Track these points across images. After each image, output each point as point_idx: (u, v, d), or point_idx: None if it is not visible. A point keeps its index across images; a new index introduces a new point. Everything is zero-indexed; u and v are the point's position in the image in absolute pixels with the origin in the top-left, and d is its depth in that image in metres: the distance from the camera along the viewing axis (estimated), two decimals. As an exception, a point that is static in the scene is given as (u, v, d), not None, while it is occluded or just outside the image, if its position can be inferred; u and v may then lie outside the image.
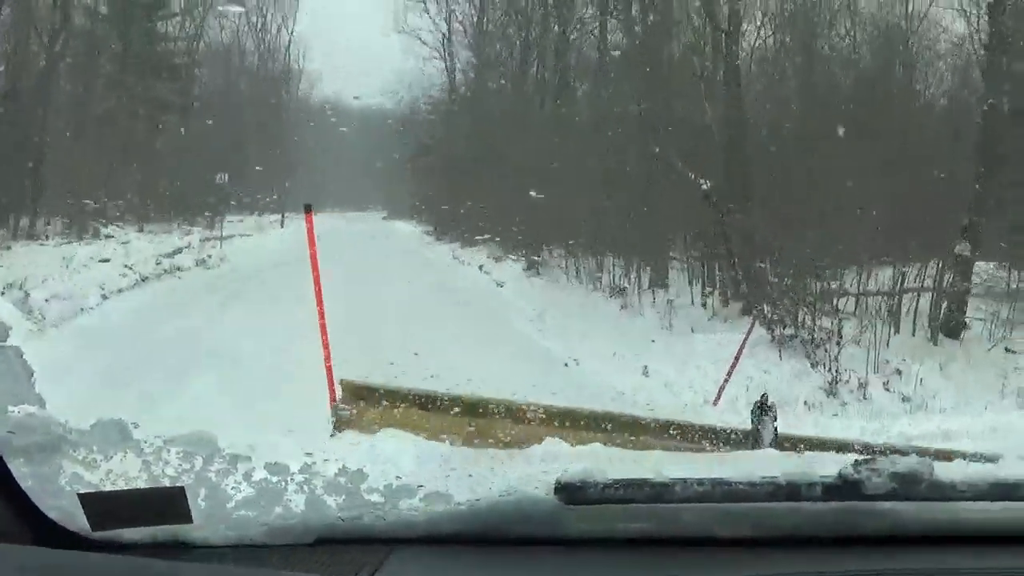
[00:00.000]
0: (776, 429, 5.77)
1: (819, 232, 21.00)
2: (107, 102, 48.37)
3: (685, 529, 2.41)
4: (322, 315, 8.09)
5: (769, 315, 20.47)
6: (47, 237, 36.46)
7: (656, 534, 2.43)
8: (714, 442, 5.83)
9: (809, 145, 23.61)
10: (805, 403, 17.09)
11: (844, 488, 2.34)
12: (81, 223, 39.09)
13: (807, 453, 4.99)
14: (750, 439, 5.76)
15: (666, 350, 20.31)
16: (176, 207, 47.15)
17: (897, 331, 21.27)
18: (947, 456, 4.98)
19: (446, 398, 6.04)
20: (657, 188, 27.05)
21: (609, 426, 5.79)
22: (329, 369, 7.16)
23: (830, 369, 18.56)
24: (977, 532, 2.43)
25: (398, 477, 2.69)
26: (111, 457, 2.59)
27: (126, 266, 29.09)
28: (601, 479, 2.38)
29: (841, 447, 5.69)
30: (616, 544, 2.42)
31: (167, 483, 2.51)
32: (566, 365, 19.26)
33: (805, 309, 20.50)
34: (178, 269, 31.18)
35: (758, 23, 29.53)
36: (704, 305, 24.82)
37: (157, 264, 31.06)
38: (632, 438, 5.67)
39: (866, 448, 5.58)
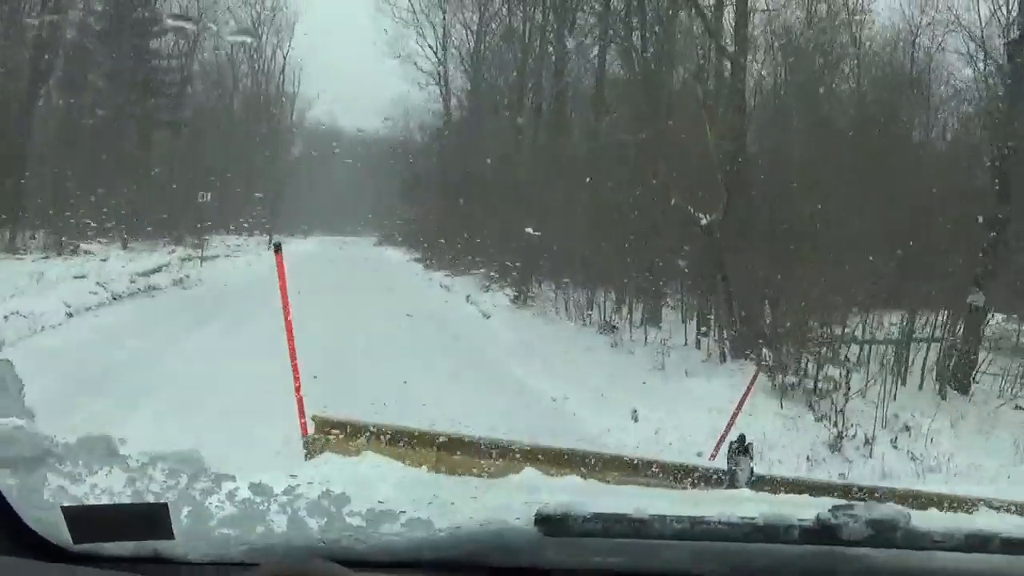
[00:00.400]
0: (752, 469, 5.56)
1: (824, 274, 19.56)
2: (96, 117, 47.16)
3: (663, 565, 2.43)
4: (292, 348, 7.21)
5: (770, 361, 19.01)
6: (26, 252, 35.60)
7: (634, 569, 2.44)
8: (691, 479, 5.57)
9: (815, 182, 22.25)
10: (808, 458, 15.58)
11: (821, 532, 2.35)
12: (62, 239, 38.06)
13: (783, 495, 4.85)
14: (726, 479, 5.49)
15: (657, 393, 18.81)
16: (162, 225, 45.88)
17: (904, 383, 19.81)
18: (925, 499, 5.05)
19: (421, 433, 5.69)
20: (654, 221, 25.58)
21: (590, 461, 5.51)
22: (300, 402, 6.57)
23: (835, 423, 17.06)
24: None
25: (380, 502, 2.61)
26: (96, 471, 2.50)
27: (99, 284, 27.77)
28: (582, 511, 2.39)
29: (818, 489, 5.48)
30: None
31: (151, 499, 2.45)
32: (553, 400, 18.15)
33: (809, 356, 19.07)
34: (153, 288, 29.82)
35: (763, 54, 28.16)
36: (698, 346, 23.33)
37: (132, 283, 29.85)
38: (610, 474, 5.37)
39: (844, 490, 5.38)
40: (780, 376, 18.80)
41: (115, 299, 27.50)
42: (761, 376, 18.08)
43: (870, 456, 16.27)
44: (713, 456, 13.52)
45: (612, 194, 27.88)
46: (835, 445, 16.50)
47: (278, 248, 7.97)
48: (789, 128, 26.91)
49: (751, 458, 5.49)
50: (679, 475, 5.57)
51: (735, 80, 24.79)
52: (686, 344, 23.55)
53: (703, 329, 23.81)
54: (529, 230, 29.21)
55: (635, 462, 5.61)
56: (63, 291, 25.49)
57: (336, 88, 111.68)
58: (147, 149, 52.31)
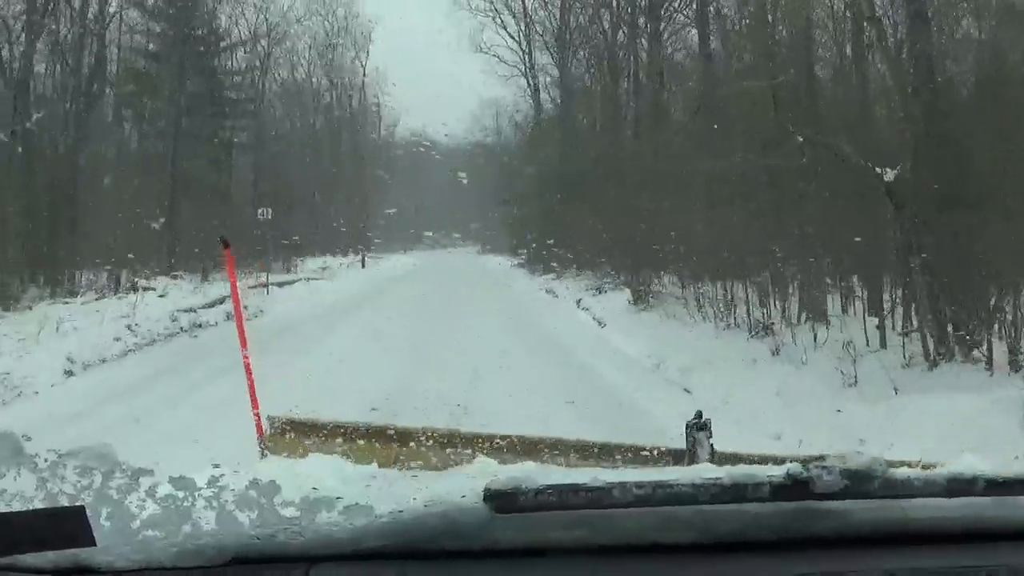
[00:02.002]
0: (712, 446, 5.12)
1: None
2: (163, 143, 42.36)
3: (625, 536, 2.15)
4: (244, 342, 6.74)
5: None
6: (77, 294, 30.74)
7: (594, 542, 2.13)
8: (650, 458, 5.25)
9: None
10: None
11: (793, 488, 2.09)
12: (120, 276, 33.44)
13: (743, 466, 3.90)
14: (686, 457, 5.12)
15: (870, 428, 12.32)
16: (248, 251, 40.76)
17: None
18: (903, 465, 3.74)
19: (377, 427, 5.59)
20: (811, 187, 19.17)
21: (545, 448, 5.24)
22: (255, 403, 6.03)
23: None
24: (934, 530, 2.18)
25: (314, 489, 2.52)
26: (3, 475, 2.35)
27: (131, 327, 22.14)
28: (533, 485, 2.08)
29: (782, 461, 3.27)
30: (552, 553, 2.12)
31: (66, 502, 2.29)
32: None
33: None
34: (199, 326, 24.06)
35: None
36: (883, 345, 16.81)
37: (173, 320, 24.14)
38: (566, 458, 5.14)
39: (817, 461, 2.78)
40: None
41: (148, 343, 22.38)
42: (1009, 385, 12.02)
43: None
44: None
45: (746, 161, 21.25)
46: None
47: (226, 243, 7.43)
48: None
49: (710, 434, 5.04)
50: (639, 457, 5.17)
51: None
52: (868, 344, 16.97)
53: (907, 326, 17.15)
54: (644, 210, 23.40)
55: (591, 446, 5.23)
56: (79, 340, 20.43)
57: (421, 95, 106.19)
58: (226, 173, 47.94)
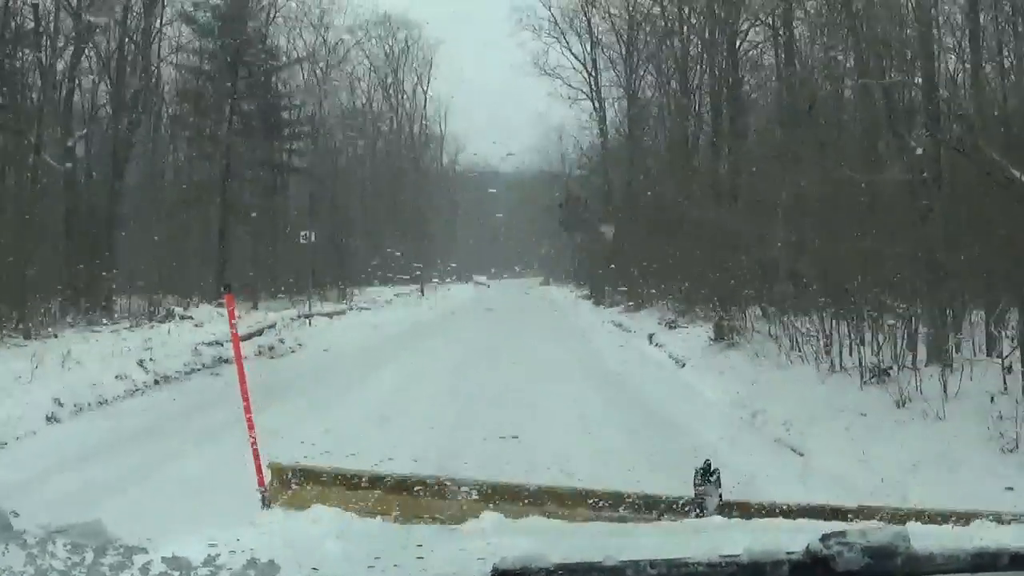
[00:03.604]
0: (721, 495, 4.67)
1: None
2: (213, 166, 39.80)
3: None
4: (244, 392, 5.43)
5: None
6: (112, 321, 28.33)
7: None
8: (658, 510, 4.76)
9: None
10: None
11: (813, 566, 2.06)
12: (154, 304, 31.29)
13: (756, 521, 4.30)
14: (694, 508, 4.64)
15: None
16: (296, 279, 38.30)
17: None
18: (915, 515, 4.25)
19: (377, 476, 5.07)
20: (935, 205, 15.86)
21: (547, 500, 4.83)
22: (255, 451, 5.18)
23: None
24: None
25: (315, 569, 2.46)
26: None
27: (141, 362, 19.21)
28: (543, 564, 2.06)
29: (792, 512, 4.51)
30: None
31: None
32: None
33: None
34: (223, 362, 20.99)
35: None
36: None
37: (194, 355, 21.19)
38: (575, 511, 4.69)
39: (821, 512, 4.46)
40: None
41: (157, 383, 19.51)
42: None
43: None
44: None
45: (852, 171, 17.88)
46: None
47: (228, 288, 7.39)
48: None
49: (718, 484, 4.68)
50: (646, 507, 4.83)
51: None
52: (1006, 391, 13.55)
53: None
54: (725, 234, 20.38)
55: (600, 495, 4.87)
56: (81, 377, 17.50)
57: (484, 121, 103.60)
58: (280, 198, 45.63)
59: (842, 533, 2.09)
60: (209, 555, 2.28)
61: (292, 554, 2.62)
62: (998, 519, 4.05)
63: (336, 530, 3.52)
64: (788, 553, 2.08)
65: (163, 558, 2.22)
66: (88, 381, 17.17)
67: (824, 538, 2.08)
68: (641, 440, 13.50)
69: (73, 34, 32.07)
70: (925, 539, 2.22)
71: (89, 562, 2.17)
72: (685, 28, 39.07)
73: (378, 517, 4.28)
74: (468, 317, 39.33)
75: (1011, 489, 10.17)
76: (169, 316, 29.33)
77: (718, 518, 4.36)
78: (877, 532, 2.10)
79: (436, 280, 57.58)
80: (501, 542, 2.63)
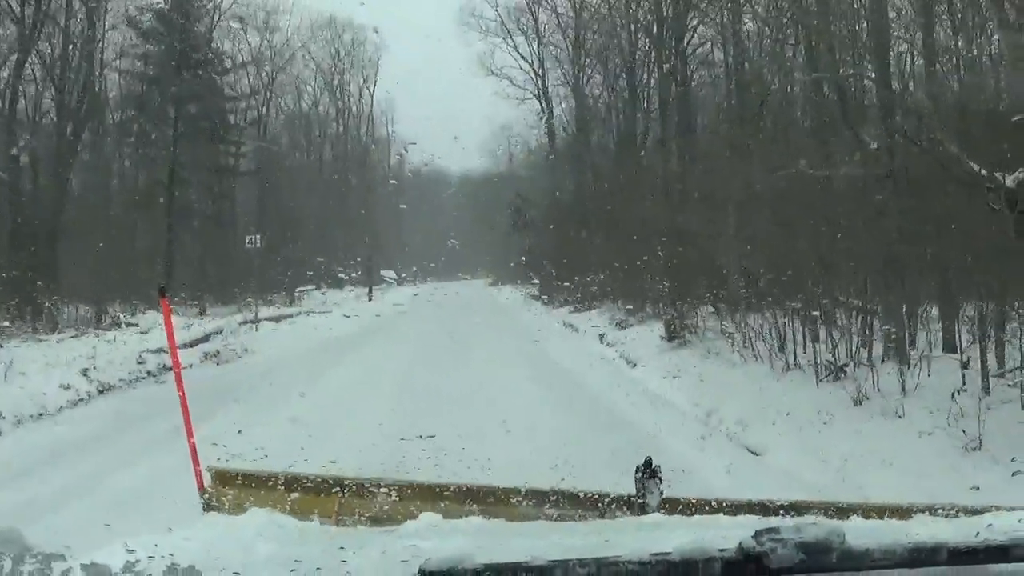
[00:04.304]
0: (662, 492, 4.69)
1: None
2: (159, 170, 39.09)
3: None
4: (182, 395, 5.26)
5: None
6: (57, 330, 27.21)
7: None
8: (597, 507, 4.80)
9: None
10: None
11: (746, 563, 2.01)
12: (103, 312, 30.90)
13: (697, 517, 4.21)
14: (635, 504, 4.69)
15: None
16: (247, 285, 37.63)
17: None
18: (853, 510, 4.32)
19: (318, 479, 5.02)
20: (891, 196, 15.61)
21: (490, 499, 4.83)
22: (194, 453, 4.90)
23: None
24: None
25: (236, 573, 2.35)
26: None
27: (85, 372, 18.62)
28: (470, 565, 2.00)
29: (733, 507, 4.51)
30: None
31: None
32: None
33: None
34: (167, 370, 20.32)
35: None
36: (988, 392, 13.03)
37: (139, 363, 20.59)
38: (515, 510, 4.73)
39: (763, 507, 4.46)
40: None
41: (100, 392, 18.80)
42: None
43: None
44: None
45: (802, 171, 17.57)
46: None
47: (162, 291, 6.38)
48: None
49: (660, 480, 4.69)
50: (589, 504, 4.85)
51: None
52: (964, 388, 13.23)
53: (1002, 365, 13.54)
54: (674, 231, 19.91)
55: (542, 493, 4.89)
56: (22, 388, 16.89)
57: (431, 123, 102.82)
58: (227, 201, 44.99)
59: (776, 529, 2.04)
60: (128, 561, 2.25)
61: (215, 558, 2.54)
62: (927, 511, 4.07)
63: (265, 533, 3.43)
64: (720, 550, 2.03)
65: (82, 565, 2.19)
66: (31, 392, 16.57)
67: (757, 535, 2.02)
68: (595, 442, 13.05)
69: (17, 42, 31.39)
70: (862, 534, 2.20)
71: (7, 571, 2.15)
72: (633, 25, 38.82)
73: (315, 520, 4.24)
74: (417, 319, 38.76)
75: (976, 488, 9.85)
76: (115, 324, 28.69)
77: (658, 515, 4.29)
78: (811, 528, 2.05)
79: (385, 283, 57.01)
80: (433, 543, 2.58)
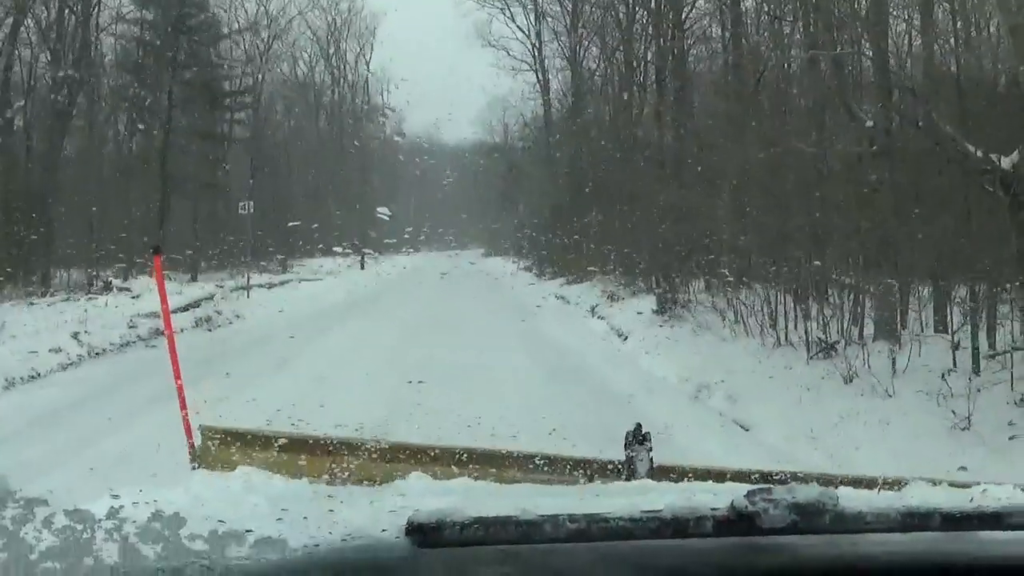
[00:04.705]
0: (652, 459, 4.51)
1: None
2: (154, 136, 38.87)
3: (557, 572, 2.01)
4: (174, 352, 5.01)
5: None
6: (49, 294, 27.15)
7: None
8: (586, 473, 4.65)
9: None
10: None
11: (738, 521, 1.97)
12: (95, 275, 30.78)
13: (686, 483, 4.08)
14: (624, 471, 4.52)
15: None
16: (241, 251, 37.52)
17: None
18: (850, 480, 4.11)
19: (309, 439, 4.86)
20: (885, 178, 15.53)
21: (480, 461, 4.69)
22: (185, 415, 4.70)
23: None
24: (886, 566, 2.05)
25: (221, 521, 2.14)
26: None
27: (76, 336, 18.56)
28: (460, 518, 1.99)
29: (727, 475, 4.35)
30: None
31: None
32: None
33: None
34: (159, 334, 20.28)
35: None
36: (978, 372, 13.05)
37: (130, 327, 20.48)
38: (505, 472, 4.61)
39: (762, 477, 4.25)
40: None
41: (92, 355, 18.74)
42: None
43: None
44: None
45: (794, 147, 17.51)
46: None
47: (156, 250, 5.97)
48: None
49: (649, 447, 4.54)
50: (577, 469, 4.69)
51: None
52: (955, 369, 13.22)
53: (993, 345, 13.57)
54: (670, 204, 20.02)
55: (530, 458, 4.73)
56: (13, 351, 16.78)
57: (428, 93, 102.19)
58: (221, 169, 44.73)
59: (768, 490, 2.01)
60: (112, 507, 2.18)
61: (200, 508, 2.47)
62: (931, 482, 3.87)
63: (254, 488, 3.35)
64: (712, 509, 2.00)
65: (65, 511, 2.14)
66: (22, 355, 16.53)
67: (750, 494, 1.99)
68: (585, 416, 12.99)
69: (12, 5, 31.15)
70: (855, 500, 2.18)
71: None
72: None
73: (304, 478, 4.11)
74: (408, 289, 38.68)
75: (964, 469, 9.85)
76: (107, 288, 28.53)
77: (648, 481, 4.26)
78: (804, 489, 2.02)
79: (376, 252, 56.85)
80: (423, 500, 2.54)
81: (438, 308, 28.80)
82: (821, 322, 16.39)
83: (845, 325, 16.02)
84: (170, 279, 31.56)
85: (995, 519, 2.09)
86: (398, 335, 21.82)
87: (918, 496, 2.61)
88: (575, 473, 4.72)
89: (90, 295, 27.03)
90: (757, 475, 4.42)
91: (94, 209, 31.66)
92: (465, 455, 4.78)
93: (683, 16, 33.25)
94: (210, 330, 23.15)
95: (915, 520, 2.05)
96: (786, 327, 17.19)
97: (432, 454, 4.78)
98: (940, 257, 14.86)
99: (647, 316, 22.78)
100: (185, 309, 24.20)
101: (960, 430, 11.09)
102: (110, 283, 29.05)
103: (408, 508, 2.11)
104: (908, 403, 12.28)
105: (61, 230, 31.73)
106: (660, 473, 4.53)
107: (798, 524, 1.95)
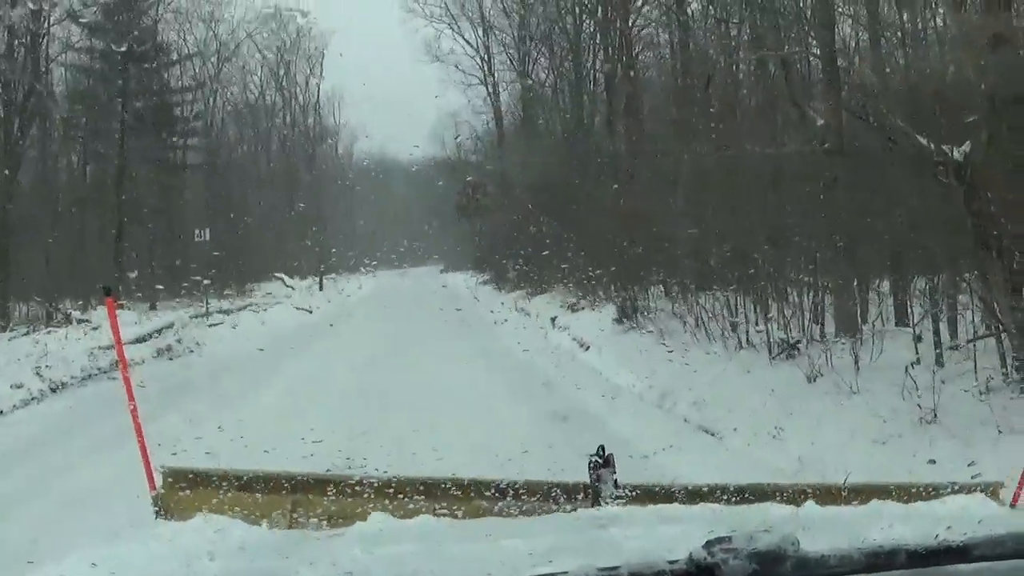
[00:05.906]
0: (616, 481, 4.53)
1: None
2: (108, 164, 38.47)
3: None
4: (131, 395, 4.85)
5: None
6: (8, 328, 27.07)
7: None
8: (552, 500, 4.67)
9: None
10: None
11: (698, 575, 1.93)
12: (53, 308, 30.22)
13: (652, 508, 4.16)
14: (590, 496, 4.57)
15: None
16: (189, 279, 37.02)
17: None
18: (820, 494, 4.18)
19: (270, 476, 4.85)
20: (839, 171, 15.46)
21: (439, 493, 4.73)
22: (145, 455, 4.61)
23: None
24: None
25: None
26: None
27: (36, 370, 18.29)
28: None
29: (687, 494, 4.40)
30: None
31: None
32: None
33: None
34: (117, 366, 19.98)
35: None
36: (939, 362, 12.94)
37: (91, 359, 20.09)
38: (466, 505, 4.66)
39: (721, 492, 4.33)
40: None
41: (53, 390, 18.42)
42: None
43: None
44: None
45: (747, 149, 17.40)
46: None
47: (107, 291, 6.03)
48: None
49: (613, 470, 4.55)
50: (543, 496, 4.67)
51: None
52: (918, 363, 13.07)
53: (954, 338, 13.45)
54: (624, 214, 19.85)
55: (494, 485, 4.72)
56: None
57: (379, 111, 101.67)
58: (176, 195, 44.10)
59: (727, 539, 1.98)
60: None
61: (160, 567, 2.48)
62: (888, 494, 3.99)
63: (213, 547, 3.34)
64: (670, 563, 1.98)
65: None
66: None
67: (708, 545, 1.97)
68: (550, 429, 12.77)
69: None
70: (817, 531, 2.20)
71: None
72: (578, 8, 38.55)
73: (264, 523, 4.21)
74: (370, 307, 38.55)
75: (933, 462, 9.70)
76: (67, 321, 28.06)
77: (613, 508, 4.24)
78: (764, 536, 1.99)
79: (334, 273, 56.39)
80: (380, 550, 2.52)
81: (400, 323, 28.69)
82: (782, 322, 16.27)
83: (806, 324, 15.89)
84: (128, 309, 31.21)
85: (960, 553, 2.10)
86: (364, 354, 21.74)
87: (881, 527, 2.55)
88: (540, 499, 4.68)
89: (50, 328, 26.64)
90: (722, 490, 4.42)
91: (50, 240, 31.18)
92: (428, 487, 4.76)
93: (630, 23, 33.19)
94: (171, 359, 22.86)
95: (880, 559, 2.04)
96: (747, 329, 17.04)
97: (394, 487, 4.74)
98: (898, 250, 14.78)
99: (608, 325, 22.60)
100: (145, 339, 23.87)
101: (927, 423, 10.93)
102: (69, 315, 28.58)
103: (366, 569, 2.14)
104: (873, 399, 12.12)
105: (17, 263, 31.13)
106: (628, 496, 4.51)
107: (759, 573, 1.93)
